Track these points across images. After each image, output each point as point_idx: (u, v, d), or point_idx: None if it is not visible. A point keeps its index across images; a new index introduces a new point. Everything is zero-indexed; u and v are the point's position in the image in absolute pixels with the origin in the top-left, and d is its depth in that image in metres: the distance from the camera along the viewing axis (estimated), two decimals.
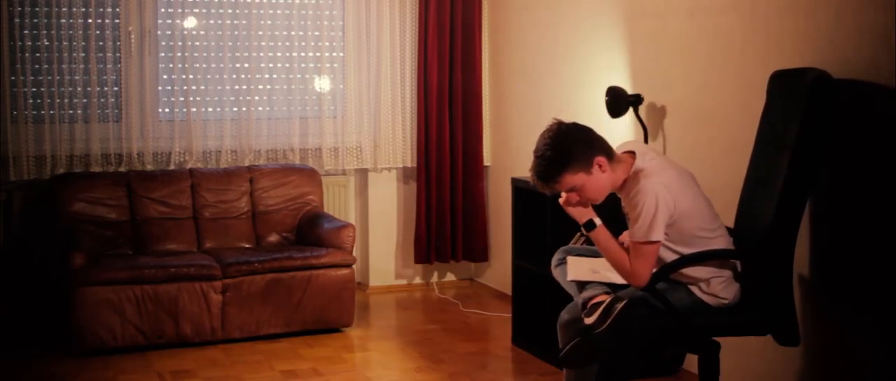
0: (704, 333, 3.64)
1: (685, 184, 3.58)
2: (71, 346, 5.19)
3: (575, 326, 3.65)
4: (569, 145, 3.52)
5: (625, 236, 3.74)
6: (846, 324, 3.88)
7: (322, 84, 6.49)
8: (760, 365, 4.29)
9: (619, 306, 3.45)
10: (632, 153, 3.61)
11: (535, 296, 5.18)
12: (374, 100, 6.59)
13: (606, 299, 3.53)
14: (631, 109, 4.93)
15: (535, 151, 3.58)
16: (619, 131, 5.08)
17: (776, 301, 3.61)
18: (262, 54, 6.33)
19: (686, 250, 3.56)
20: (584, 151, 3.53)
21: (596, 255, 3.81)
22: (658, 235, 3.47)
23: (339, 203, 6.63)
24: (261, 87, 6.37)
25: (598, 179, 3.54)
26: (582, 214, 3.60)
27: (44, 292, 5.70)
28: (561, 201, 3.65)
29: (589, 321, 3.50)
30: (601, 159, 3.54)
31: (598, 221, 3.59)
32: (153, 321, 5.27)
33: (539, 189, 3.65)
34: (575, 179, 3.53)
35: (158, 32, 6.11)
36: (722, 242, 3.62)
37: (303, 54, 6.44)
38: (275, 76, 6.42)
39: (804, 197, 3.62)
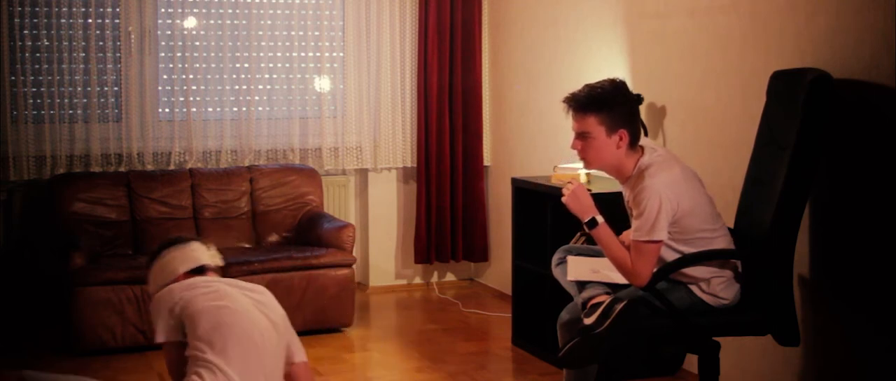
0: (704, 333, 3.65)
1: (689, 182, 3.59)
2: (71, 346, 5.19)
3: (575, 326, 3.65)
4: (618, 99, 3.60)
5: (626, 235, 3.75)
6: (846, 324, 3.88)
7: (322, 84, 6.49)
8: (760, 365, 4.29)
9: (619, 306, 3.45)
10: (642, 148, 3.63)
11: (535, 296, 5.18)
12: (374, 100, 6.59)
13: (606, 299, 3.53)
14: None
15: (588, 83, 3.65)
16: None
17: (776, 301, 3.62)
18: (262, 54, 6.33)
19: (687, 250, 3.57)
20: (622, 115, 3.59)
21: (596, 254, 3.81)
22: (660, 234, 3.48)
23: (339, 203, 6.63)
24: (261, 87, 6.37)
25: (609, 147, 3.58)
26: (584, 211, 3.61)
27: (44, 292, 5.70)
28: (564, 198, 3.66)
29: (588, 321, 3.50)
30: (625, 135, 3.59)
31: (600, 218, 3.60)
32: None
33: (564, 110, 3.67)
34: (596, 128, 3.58)
35: (158, 32, 6.11)
36: (723, 242, 3.62)
37: (303, 54, 6.44)
38: (275, 76, 6.42)
39: (804, 197, 3.62)
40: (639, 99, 4.87)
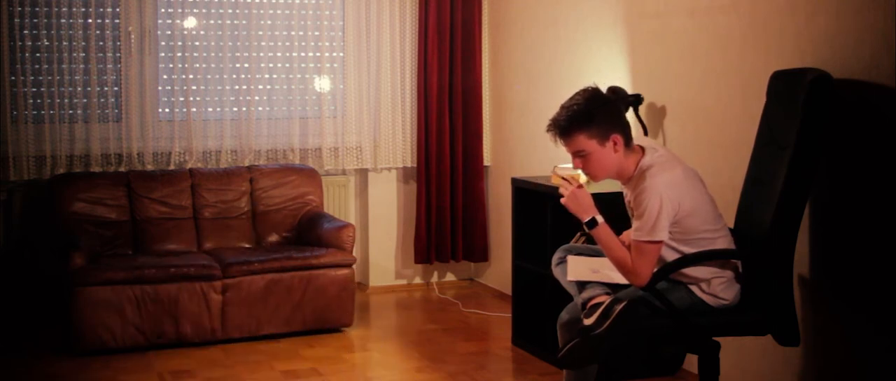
0: (704, 333, 3.64)
1: (690, 182, 3.58)
2: (71, 346, 5.19)
3: (575, 326, 3.65)
4: (596, 109, 3.56)
5: (627, 235, 3.75)
6: (846, 324, 3.88)
7: (322, 84, 6.49)
8: (760, 365, 4.29)
9: (619, 307, 3.45)
10: (642, 148, 3.63)
11: (535, 296, 5.18)
12: (374, 100, 6.59)
13: (606, 299, 3.53)
14: (631, 109, 4.93)
15: (563, 103, 3.61)
16: None
17: (776, 301, 3.61)
18: (262, 54, 6.33)
19: (688, 250, 3.56)
20: (607, 121, 3.56)
21: (596, 254, 3.81)
22: (661, 234, 3.48)
23: (339, 203, 6.63)
24: (261, 87, 6.37)
25: (608, 156, 3.56)
26: (584, 211, 3.61)
27: (44, 292, 5.70)
28: (563, 200, 3.66)
29: (588, 321, 3.50)
30: (618, 138, 3.56)
31: (599, 218, 3.59)
32: (153, 321, 5.27)
33: (551, 138, 3.64)
34: (587, 144, 3.55)
35: (158, 32, 6.11)
36: (724, 242, 3.62)
37: (303, 54, 6.44)
38: (275, 76, 6.42)
39: (804, 197, 3.62)
40: (638, 99, 4.89)
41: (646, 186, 3.50)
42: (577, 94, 3.62)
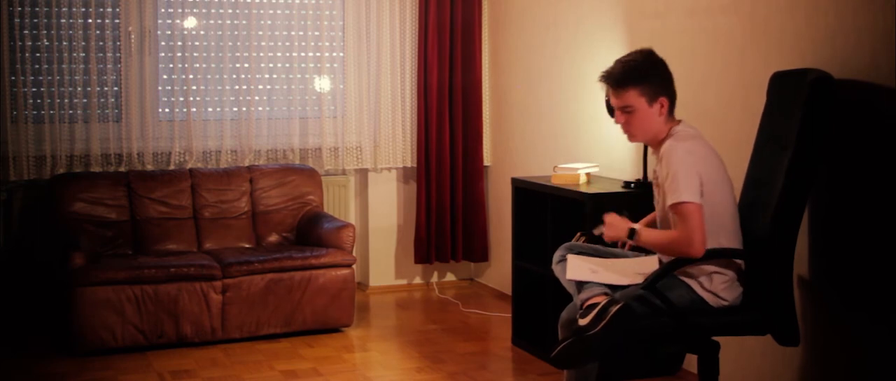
0: (704, 333, 3.64)
1: (712, 162, 3.58)
2: (71, 346, 5.19)
3: (573, 326, 3.64)
4: (652, 68, 3.63)
5: (651, 217, 3.77)
6: (846, 324, 3.88)
7: (322, 84, 6.49)
8: (760, 365, 4.29)
9: (615, 308, 3.44)
10: (678, 120, 3.68)
11: (535, 296, 5.18)
12: (374, 100, 6.59)
13: (603, 300, 3.52)
14: None
15: (619, 58, 3.67)
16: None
17: (776, 301, 3.61)
18: (262, 54, 6.33)
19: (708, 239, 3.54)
20: (660, 83, 3.63)
21: (597, 254, 3.81)
22: (690, 195, 3.44)
23: (339, 203, 6.63)
24: (261, 87, 6.37)
25: (652, 117, 3.62)
26: (624, 231, 3.63)
27: (44, 292, 5.70)
28: (605, 237, 3.66)
29: (583, 322, 3.49)
30: (665, 102, 3.63)
31: (634, 227, 3.61)
32: (153, 321, 5.27)
33: (602, 88, 3.70)
34: (637, 100, 3.60)
35: (158, 32, 6.11)
36: (735, 241, 3.62)
37: (303, 54, 6.44)
38: (275, 76, 6.42)
39: (804, 197, 3.62)
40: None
41: (665, 150, 3.53)
42: (634, 51, 3.68)
